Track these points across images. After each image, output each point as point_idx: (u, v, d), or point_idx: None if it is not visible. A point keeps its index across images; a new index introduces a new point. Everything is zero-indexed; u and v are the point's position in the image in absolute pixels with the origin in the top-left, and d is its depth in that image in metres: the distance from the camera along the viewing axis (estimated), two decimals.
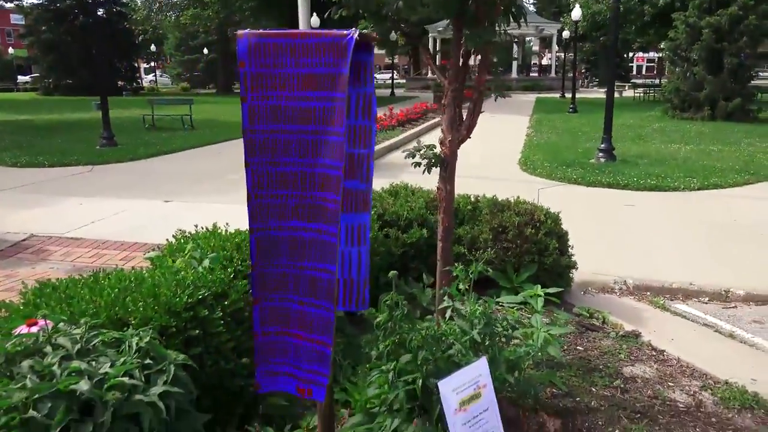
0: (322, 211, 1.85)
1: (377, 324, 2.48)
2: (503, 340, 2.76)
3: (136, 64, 50.46)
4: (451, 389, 1.83)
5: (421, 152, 3.23)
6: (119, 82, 45.39)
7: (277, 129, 1.85)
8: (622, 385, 3.39)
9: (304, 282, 1.94)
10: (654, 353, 3.95)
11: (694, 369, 3.74)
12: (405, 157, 3.21)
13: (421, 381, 2.29)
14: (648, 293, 5.40)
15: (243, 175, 1.93)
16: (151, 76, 65.63)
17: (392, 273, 2.50)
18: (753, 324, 4.75)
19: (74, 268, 5.89)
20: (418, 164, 3.26)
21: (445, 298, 2.80)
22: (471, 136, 3.32)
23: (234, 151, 13.48)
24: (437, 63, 3.53)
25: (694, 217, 7.80)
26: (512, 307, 3.35)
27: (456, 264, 2.99)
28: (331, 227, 1.84)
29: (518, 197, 5.24)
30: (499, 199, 5.17)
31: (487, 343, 2.67)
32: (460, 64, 3.16)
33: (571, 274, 4.97)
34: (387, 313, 2.43)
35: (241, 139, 1.92)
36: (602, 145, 11.97)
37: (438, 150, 3.27)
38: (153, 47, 55.58)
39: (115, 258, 6.23)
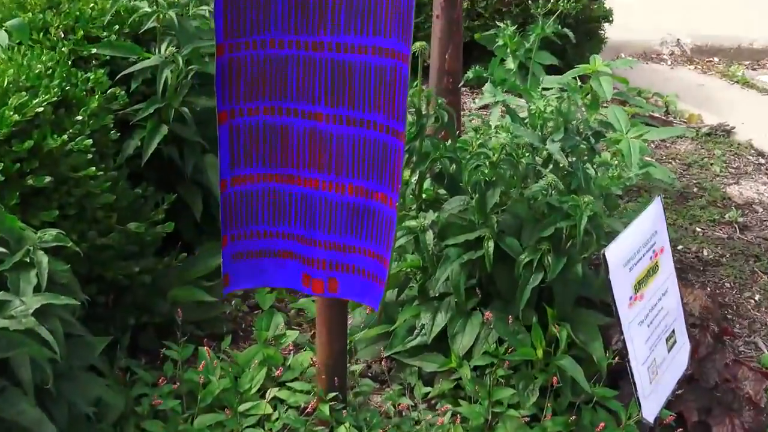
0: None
1: None
2: (586, 156, 1.63)
3: None
4: (621, 262, 0.94)
5: None
6: None
7: None
8: (739, 219, 2.34)
9: None
10: (762, 161, 2.84)
11: None
12: None
13: (492, 243, 1.19)
14: (715, 59, 3.85)
15: None
16: None
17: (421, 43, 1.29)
18: None
19: None
20: None
21: (486, 87, 1.62)
22: None
23: None
24: None
25: None
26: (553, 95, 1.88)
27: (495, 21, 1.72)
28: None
29: None
30: None
31: (568, 163, 1.54)
32: None
33: (602, 31, 3.52)
34: (413, 119, 1.27)
35: None
36: None
37: None
38: None
39: None
